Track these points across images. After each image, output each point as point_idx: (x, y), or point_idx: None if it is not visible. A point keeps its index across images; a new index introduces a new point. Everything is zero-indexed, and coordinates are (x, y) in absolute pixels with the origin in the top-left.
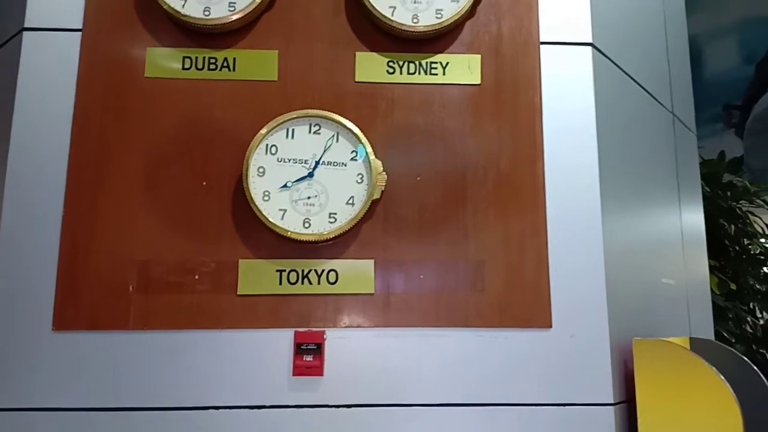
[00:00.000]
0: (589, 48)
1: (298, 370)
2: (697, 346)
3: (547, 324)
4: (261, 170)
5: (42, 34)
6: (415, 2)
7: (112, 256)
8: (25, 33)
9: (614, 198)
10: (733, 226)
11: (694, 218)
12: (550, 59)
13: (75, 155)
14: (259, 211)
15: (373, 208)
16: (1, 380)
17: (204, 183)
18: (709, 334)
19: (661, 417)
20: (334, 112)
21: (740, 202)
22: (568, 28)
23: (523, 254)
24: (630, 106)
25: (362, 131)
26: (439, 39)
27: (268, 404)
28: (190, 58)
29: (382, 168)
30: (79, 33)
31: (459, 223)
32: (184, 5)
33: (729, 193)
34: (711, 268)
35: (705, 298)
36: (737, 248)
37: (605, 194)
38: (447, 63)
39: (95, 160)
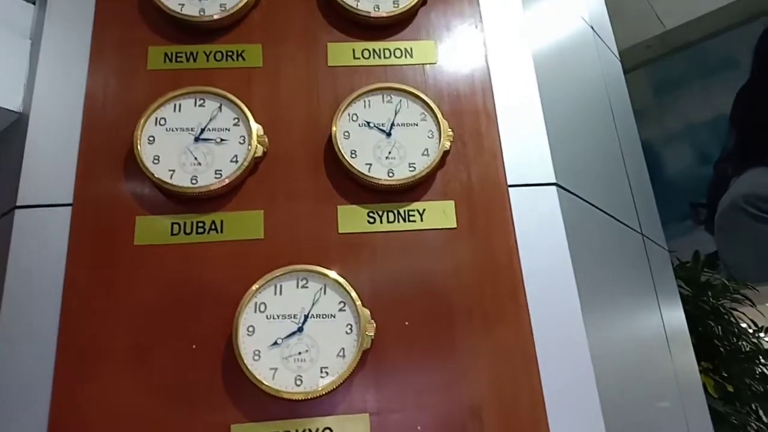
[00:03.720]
0: (554, 187)
1: None
2: None
3: None
4: (250, 329)
5: (33, 211)
6: (388, 158)
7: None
8: (17, 211)
9: (597, 322)
10: (719, 326)
11: (677, 324)
12: (519, 200)
13: (64, 330)
14: (250, 372)
15: (364, 357)
16: None
17: (194, 346)
18: None
19: None
20: (320, 265)
21: (721, 300)
22: (532, 171)
23: (518, 393)
24: (600, 234)
25: (348, 281)
26: (415, 188)
27: None
28: (178, 223)
29: (370, 316)
30: (70, 207)
31: (451, 366)
32: (172, 176)
33: (710, 293)
34: (705, 370)
35: (700, 402)
36: (728, 347)
37: (588, 320)
38: (423, 210)
39: (84, 333)
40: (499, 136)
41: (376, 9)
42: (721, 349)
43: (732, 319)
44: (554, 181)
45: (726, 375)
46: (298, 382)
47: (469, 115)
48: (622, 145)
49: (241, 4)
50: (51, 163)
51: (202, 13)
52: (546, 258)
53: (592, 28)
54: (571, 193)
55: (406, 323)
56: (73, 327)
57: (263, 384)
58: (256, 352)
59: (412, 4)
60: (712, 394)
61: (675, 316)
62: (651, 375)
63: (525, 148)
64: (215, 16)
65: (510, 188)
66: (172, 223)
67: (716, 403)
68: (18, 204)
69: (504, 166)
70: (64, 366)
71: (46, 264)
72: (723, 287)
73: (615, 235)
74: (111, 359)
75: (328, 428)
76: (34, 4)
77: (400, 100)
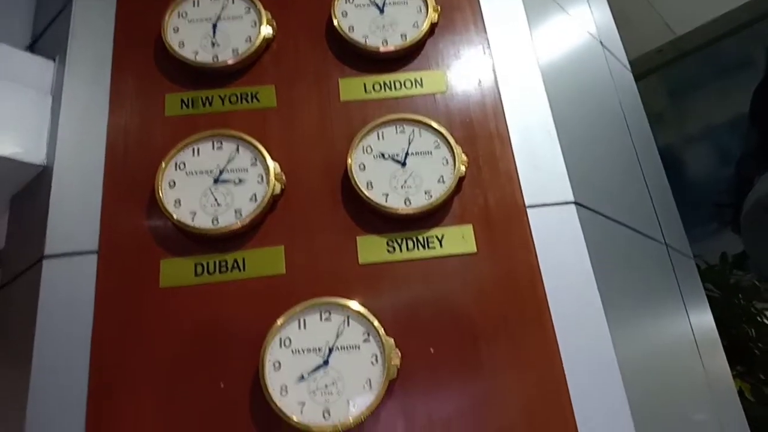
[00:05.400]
0: (573, 205)
1: None
2: None
3: None
4: (277, 364)
5: (60, 260)
6: (404, 187)
7: None
8: (44, 261)
9: (625, 336)
10: (752, 329)
11: (706, 331)
12: (538, 221)
13: (95, 372)
14: (278, 408)
15: (391, 387)
16: None
17: (222, 385)
18: None
19: None
20: (341, 297)
21: (753, 301)
22: (550, 191)
23: (549, 414)
24: (622, 248)
25: (371, 311)
26: (433, 216)
27: None
28: (201, 264)
29: (395, 345)
30: (96, 254)
31: (479, 391)
32: (193, 218)
33: (740, 295)
34: (741, 374)
35: (736, 408)
36: (763, 349)
37: (615, 335)
38: (443, 236)
39: (114, 376)
40: (514, 159)
41: (385, 44)
42: (756, 351)
43: (765, 320)
44: (572, 199)
45: (763, 378)
46: (326, 416)
47: (483, 140)
48: (639, 155)
49: (252, 49)
50: (76, 213)
51: (215, 59)
52: (569, 276)
53: (600, 42)
54: (591, 209)
55: (432, 350)
56: (103, 370)
57: (292, 419)
58: (284, 387)
59: (420, 36)
60: (749, 398)
61: (704, 323)
62: (682, 384)
63: (541, 169)
64: (229, 62)
65: (528, 209)
66: (196, 264)
67: (754, 406)
68: (45, 254)
69: (521, 188)
70: (95, 408)
71: (75, 311)
72: (753, 288)
73: (638, 248)
74: (142, 400)
75: None
76: (54, 60)
77: (413, 130)
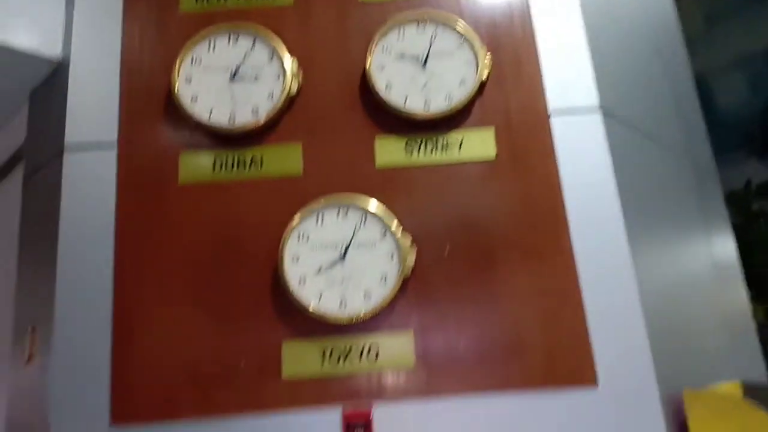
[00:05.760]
0: (598, 112)
1: None
2: (750, 391)
3: (592, 381)
4: (295, 258)
5: (80, 154)
6: (423, 89)
7: (161, 353)
8: (65, 154)
9: (644, 249)
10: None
11: (726, 254)
12: (561, 127)
13: (119, 266)
14: (296, 297)
15: (405, 284)
16: None
17: (243, 274)
18: (759, 367)
19: None
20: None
21: None
22: (575, 96)
23: (560, 313)
24: (647, 160)
25: (387, 211)
26: (452, 119)
27: None
28: (219, 159)
29: (410, 244)
30: (115, 148)
31: (492, 290)
32: (210, 115)
33: (761, 221)
34: (756, 298)
35: (750, 331)
36: None
37: (634, 248)
38: (462, 139)
39: (139, 267)
40: (539, 63)
41: None
42: None
43: None
44: (598, 104)
45: None
46: (343, 306)
47: (508, 43)
48: (671, 71)
49: None
50: (94, 106)
51: None
52: (590, 186)
53: None
54: (617, 118)
55: (446, 253)
56: (126, 262)
57: (309, 307)
58: (302, 279)
59: None
60: (762, 321)
61: (725, 246)
62: (699, 305)
63: (568, 72)
64: None
65: (552, 115)
66: (215, 158)
67: (765, 329)
68: (66, 145)
69: (545, 93)
70: (121, 295)
71: (97, 204)
72: None
73: (662, 161)
74: (165, 289)
75: (374, 345)
76: None
77: (436, 29)
